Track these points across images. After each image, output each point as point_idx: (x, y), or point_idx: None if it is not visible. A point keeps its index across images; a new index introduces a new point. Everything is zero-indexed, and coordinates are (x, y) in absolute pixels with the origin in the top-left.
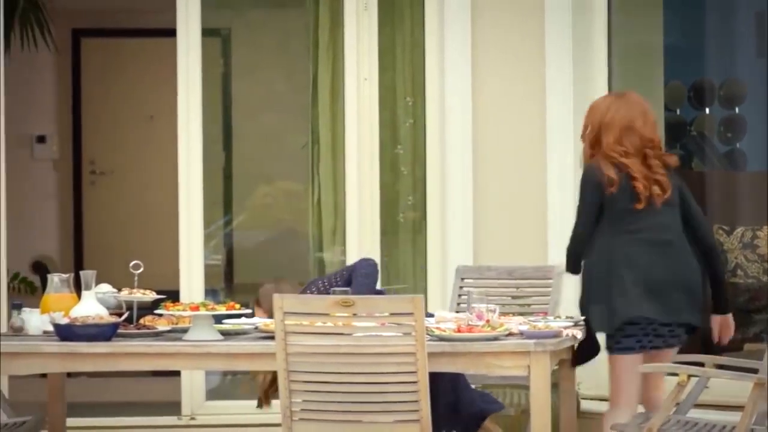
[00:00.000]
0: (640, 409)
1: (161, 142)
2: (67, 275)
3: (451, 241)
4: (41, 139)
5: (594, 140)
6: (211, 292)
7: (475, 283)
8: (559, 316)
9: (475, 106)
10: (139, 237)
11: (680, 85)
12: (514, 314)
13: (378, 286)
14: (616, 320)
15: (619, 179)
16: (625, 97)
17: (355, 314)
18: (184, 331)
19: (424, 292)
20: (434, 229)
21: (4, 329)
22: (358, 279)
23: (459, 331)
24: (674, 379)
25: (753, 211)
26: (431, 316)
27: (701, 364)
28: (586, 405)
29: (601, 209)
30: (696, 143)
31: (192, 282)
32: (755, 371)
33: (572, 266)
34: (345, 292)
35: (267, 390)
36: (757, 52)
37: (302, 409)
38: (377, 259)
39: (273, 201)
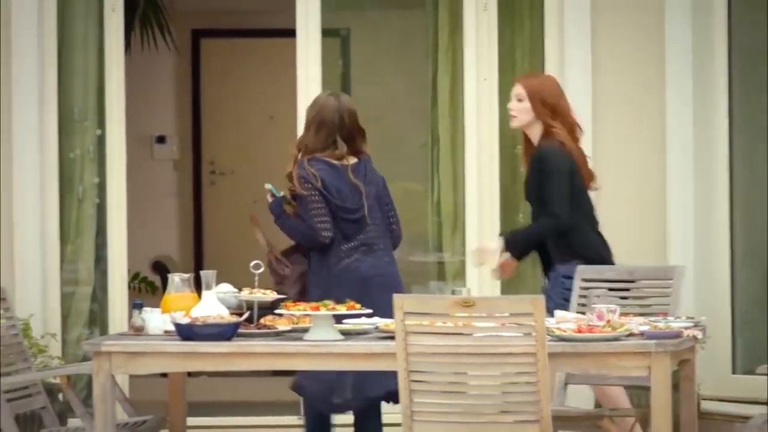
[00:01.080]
0: None
1: (281, 142)
2: (188, 275)
3: None
4: (161, 140)
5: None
6: None
7: (595, 283)
8: (679, 317)
9: (595, 106)
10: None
11: None
12: (634, 315)
13: (498, 284)
14: None
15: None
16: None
17: (475, 314)
18: (305, 330)
19: (544, 292)
20: None
21: (125, 329)
22: None
23: (579, 331)
24: None
25: None
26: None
27: None
28: (706, 406)
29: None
30: None
31: None
32: None
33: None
34: None
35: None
36: None
37: (422, 410)
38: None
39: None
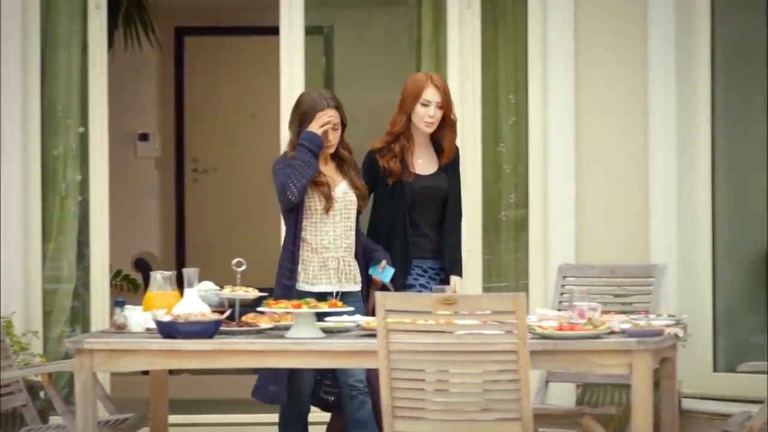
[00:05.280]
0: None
1: (264, 139)
2: (170, 273)
3: (552, 239)
4: (144, 137)
5: None
6: None
7: (577, 281)
8: (661, 315)
9: (578, 103)
10: (241, 234)
11: None
12: (615, 312)
13: (479, 282)
14: None
15: None
16: None
17: (457, 312)
18: (287, 328)
19: (526, 290)
20: (536, 227)
21: (107, 326)
22: None
23: (561, 329)
24: None
25: None
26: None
27: None
28: (687, 403)
29: None
30: None
31: None
32: None
33: None
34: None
35: None
36: None
37: (404, 407)
38: (479, 256)
39: None
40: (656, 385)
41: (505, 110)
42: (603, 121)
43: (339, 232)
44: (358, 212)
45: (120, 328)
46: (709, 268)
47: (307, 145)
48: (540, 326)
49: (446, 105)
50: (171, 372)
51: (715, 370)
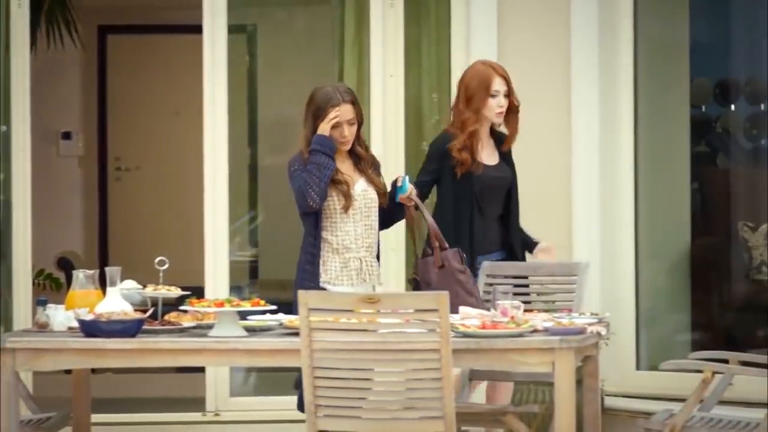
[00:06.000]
0: None
1: (187, 138)
2: (93, 271)
3: None
4: (67, 136)
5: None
6: (236, 289)
7: (499, 280)
8: (583, 313)
9: None
10: (164, 233)
11: (706, 82)
12: (538, 311)
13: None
14: None
15: None
16: None
17: (379, 311)
18: (209, 327)
19: None
20: None
21: (29, 325)
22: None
23: (484, 327)
24: (699, 376)
25: None
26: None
27: (725, 361)
28: (609, 401)
29: None
30: (721, 140)
31: (217, 278)
32: None
33: None
34: None
35: None
36: None
37: (327, 405)
38: (402, 254)
39: None
40: (579, 383)
41: (428, 109)
42: (526, 121)
43: (360, 231)
44: (380, 210)
45: (42, 327)
46: (632, 266)
47: (320, 149)
48: (463, 324)
49: (510, 91)
50: (93, 371)
51: (637, 368)
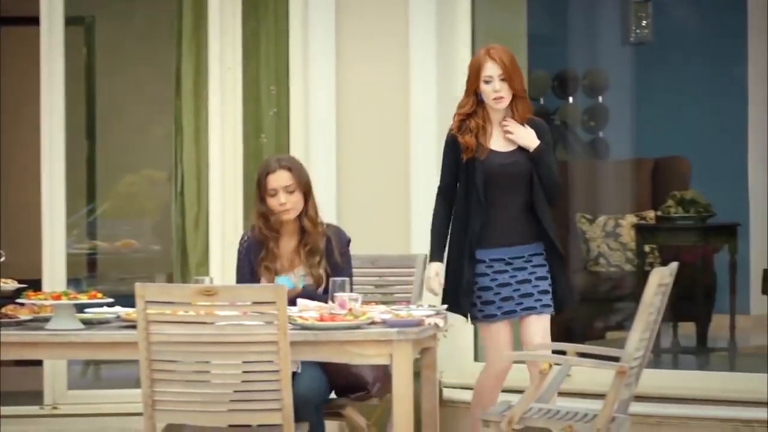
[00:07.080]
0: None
1: (24, 131)
2: None
3: None
4: None
5: None
6: (73, 282)
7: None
8: (421, 305)
9: (339, 95)
10: (0, 226)
11: (544, 74)
12: (376, 303)
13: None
14: None
15: None
16: None
17: (217, 303)
18: (46, 320)
19: None
20: None
21: None
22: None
23: (321, 319)
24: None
25: (615, 200)
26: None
27: (563, 352)
28: (448, 393)
29: None
30: (559, 132)
31: (54, 271)
32: (617, 359)
33: None
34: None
35: None
36: (620, 41)
37: (164, 399)
38: None
39: (138, 190)
40: (417, 375)
41: (266, 101)
42: (365, 112)
43: None
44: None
45: None
46: None
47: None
48: (301, 317)
49: (508, 75)
50: None
51: (476, 360)
